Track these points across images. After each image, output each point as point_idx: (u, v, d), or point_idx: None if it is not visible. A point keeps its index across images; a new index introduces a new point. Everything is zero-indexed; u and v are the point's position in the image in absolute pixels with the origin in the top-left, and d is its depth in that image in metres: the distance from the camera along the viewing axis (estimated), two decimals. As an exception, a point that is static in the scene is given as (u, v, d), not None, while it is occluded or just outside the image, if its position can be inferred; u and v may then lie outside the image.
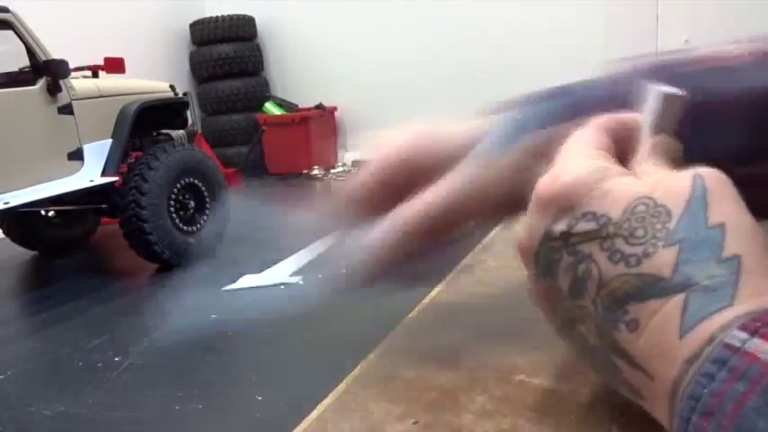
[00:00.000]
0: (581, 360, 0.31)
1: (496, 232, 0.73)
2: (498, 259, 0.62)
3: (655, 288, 0.25)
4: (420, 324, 0.47)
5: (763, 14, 3.44)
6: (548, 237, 0.30)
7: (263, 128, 4.72)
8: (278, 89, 5.30)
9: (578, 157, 0.31)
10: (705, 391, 0.22)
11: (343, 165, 4.79)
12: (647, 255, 0.26)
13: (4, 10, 2.32)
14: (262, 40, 5.23)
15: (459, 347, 0.42)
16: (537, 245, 0.30)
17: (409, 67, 4.67)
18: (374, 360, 0.42)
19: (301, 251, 2.62)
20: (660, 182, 0.28)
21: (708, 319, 0.23)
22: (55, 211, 3.02)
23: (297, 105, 5.03)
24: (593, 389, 0.36)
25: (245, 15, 5.02)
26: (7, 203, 2.24)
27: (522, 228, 0.32)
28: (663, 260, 0.25)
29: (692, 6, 3.67)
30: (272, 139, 4.78)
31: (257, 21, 5.15)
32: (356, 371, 0.41)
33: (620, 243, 0.27)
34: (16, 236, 3.07)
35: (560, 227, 0.29)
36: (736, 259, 0.25)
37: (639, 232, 0.27)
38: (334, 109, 5.01)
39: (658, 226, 0.26)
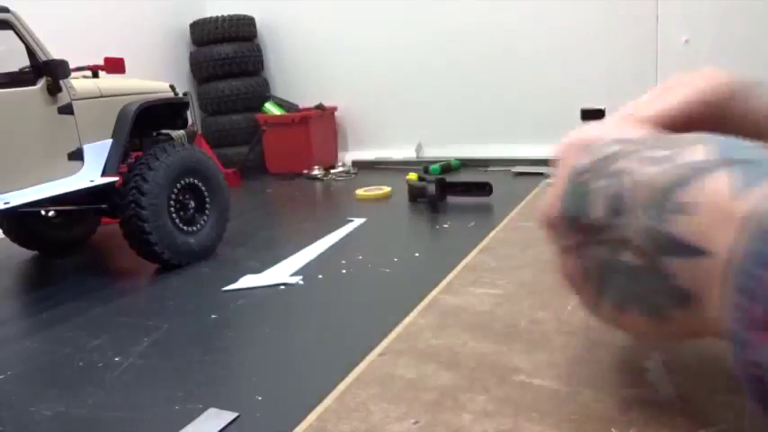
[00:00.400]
0: (624, 307, 0.31)
1: (496, 233, 0.73)
2: (498, 259, 0.62)
3: (696, 170, 0.26)
4: (420, 324, 0.47)
5: (762, 14, 3.44)
6: (573, 174, 0.31)
7: (263, 128, 4.72)
8: (278, 89, 5.30)
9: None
10: (750, 283, 0.21)
11: (343, 165, 4.79)
12: (678, 153, 0.27)
13: (5, 10, 2.32)
14: (262, 40, 5.23)
15: (459, 347, 0.42)
16: (564, 188, 0.31)
17: (409, 68, 4.67)
18: (374, 360, 0.42)
19: (301, 251, 2.62)
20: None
21: (756, 184, 0.24)
22: (55, 211, 3.02)
23: (297, 105, 5.03)
24: (594, 389, 0.36)
25: (245, 15, 5.02)
26: (8, 203, 2.24)
27: (547, 199, 0.33)
28: (695, 152, 0.26)
29: (691, 6, 3.66)
30: (272, 139, 4.78)
31: (257, 21, 5.15)
32: (356, 371, 0.41)
33: (649, 152, 0.28)
34: (16, 236, 3.07)
35: (585, 160, 0.31)
36: (760, 146, 0.26)
37: (664, 143, 0.28)
38: (335, 109, 5.01)
39: (679, 141, 0.28)
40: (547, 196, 0.33)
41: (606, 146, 0.30)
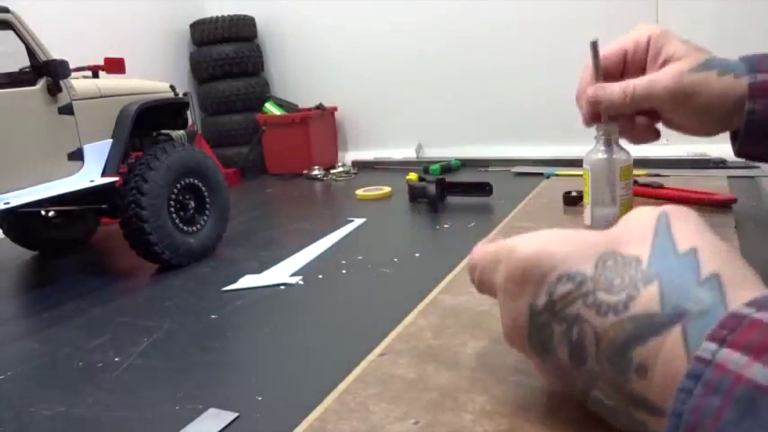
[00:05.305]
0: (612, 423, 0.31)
1: (496, 233, 0.73)
2: (498, 259, 0.62)
3: (650, 326, 0.26)
4: (420, 324, 0.47)
5: (762, 15, 3.44)
6: (533, 313, 0.30)
7: (264, 128, 4.72)
8: (278, 89, 5.30)
9: (523, 241, 0.32)
10: (685, 407, 0.22)
11: (343, 165, 4.79)
12: (631, 298, 0.27)
13: (5, 10, 2.32)
14: (262, 40, 5.23)
15: (459, 347, 0.42)
16: (526, 325, 0.31)
17: (409, 68, 4.67)
18: (374, 360, 0.42)
19: (301, 251, 2.62)
20: (624, 232, 0.30)
21: (700, 343, 0.23)
22: (55, 211, 3.02)
23: (297, 105, 5.03)
24: (593, 389, 0.36)
25: (245, 15, 5.02)
26: (8, 204, 2.24)
27: (502, 319, 0.33)
28: (648, 297, 0.26)
29: (691, 6, 3.66)
30: (272, 139, 4.78)
31: (257, 21, 5.15)
32: (356, 371, 0.41)
33: (602, 295, 0.27)
34: (16, 236, 3.07)
35: (542, 299, 0.29)
36: (715, 277, 0.25)
37: (617, 281, 0.27)
38: (335, 109, 5.01)
39: (632, 272, 0.27)
40: (502, 316, 0.33)
41: (560, 283, 0.29)
